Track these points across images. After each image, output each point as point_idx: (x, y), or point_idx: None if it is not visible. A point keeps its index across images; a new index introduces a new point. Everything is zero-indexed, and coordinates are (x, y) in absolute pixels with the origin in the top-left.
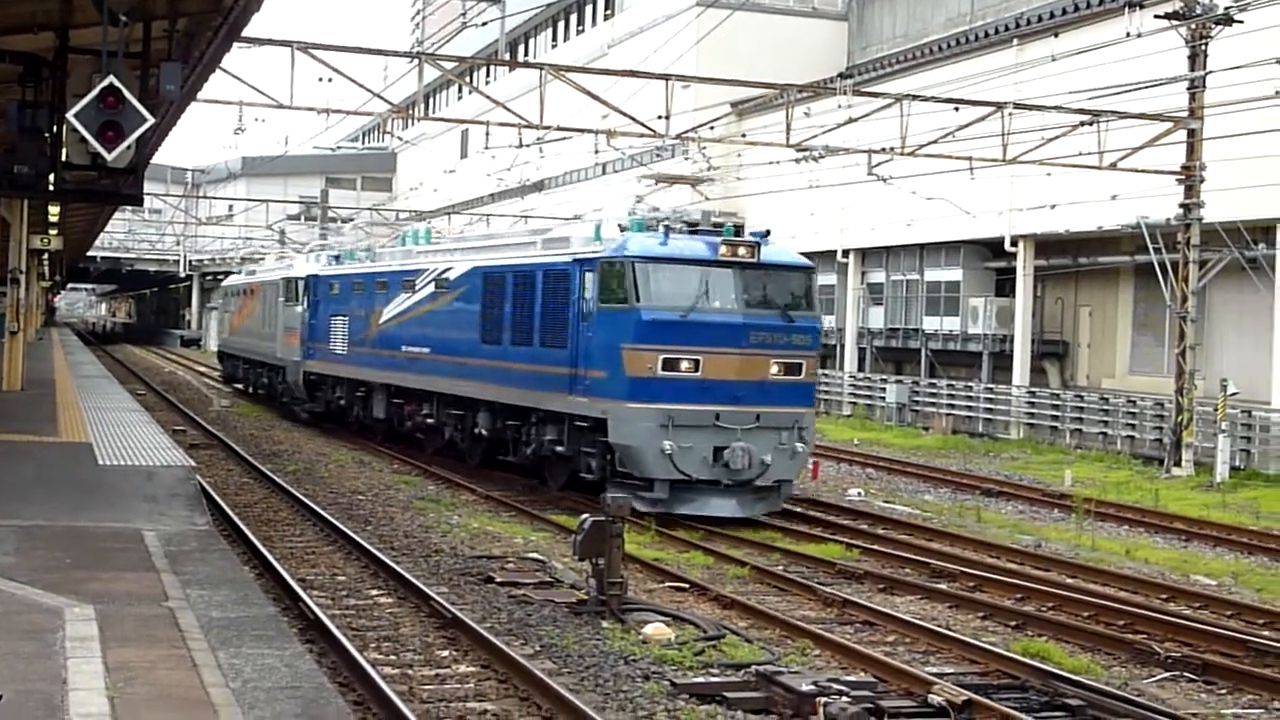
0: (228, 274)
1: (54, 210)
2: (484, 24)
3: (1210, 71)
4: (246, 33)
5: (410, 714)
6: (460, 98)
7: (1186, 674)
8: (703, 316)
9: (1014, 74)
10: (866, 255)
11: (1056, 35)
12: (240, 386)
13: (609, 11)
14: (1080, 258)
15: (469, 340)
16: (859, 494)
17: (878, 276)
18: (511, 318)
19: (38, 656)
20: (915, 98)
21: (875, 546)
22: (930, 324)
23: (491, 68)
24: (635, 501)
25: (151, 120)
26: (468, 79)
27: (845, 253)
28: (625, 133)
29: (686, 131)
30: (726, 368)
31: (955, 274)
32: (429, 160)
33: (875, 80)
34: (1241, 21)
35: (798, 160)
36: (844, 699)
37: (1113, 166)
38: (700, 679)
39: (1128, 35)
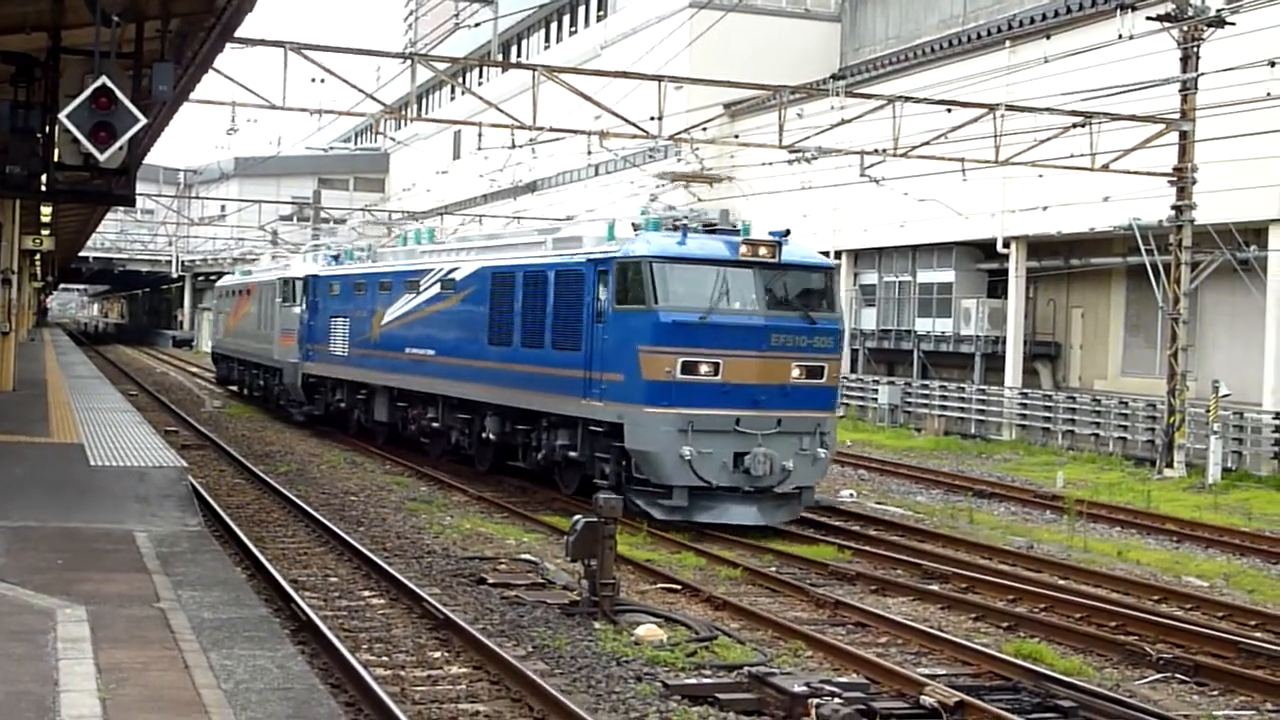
0: (220, 275)
1: (46, 210)
2: (476, 25)
3: (1202, 73)
4: (239, 33)
5: (402, 715)
6: (453, 98)
7: (1178, 675)
8: (722, 318)
9: (1006, 75)
10: (859, 256)
11: (1049, 37)
12: (235, 388)
13: (602, 13)
14: (1072, 259)
15: (477, 342)
16: (851, 495)
17: (870, 278)
18: (522, 319)
19: (29, 658)
20: (908, 99)
21: (867, 548)
22: (923, 325)
23: (484, 68)
24: (653, 509)
25: (144, 121)
26: (460, 80)
27: (838, 254)
28: (618, 134)
29: (679, 133)
30: (747, 371)
31: (948, 275)
32: (421, 161)
33: (868, 81)
34: (1233, 24)
35: (790, 161)
36: (836, 700)
37: (1105, 168)
38: (692, 680)
39: (1120, 37)
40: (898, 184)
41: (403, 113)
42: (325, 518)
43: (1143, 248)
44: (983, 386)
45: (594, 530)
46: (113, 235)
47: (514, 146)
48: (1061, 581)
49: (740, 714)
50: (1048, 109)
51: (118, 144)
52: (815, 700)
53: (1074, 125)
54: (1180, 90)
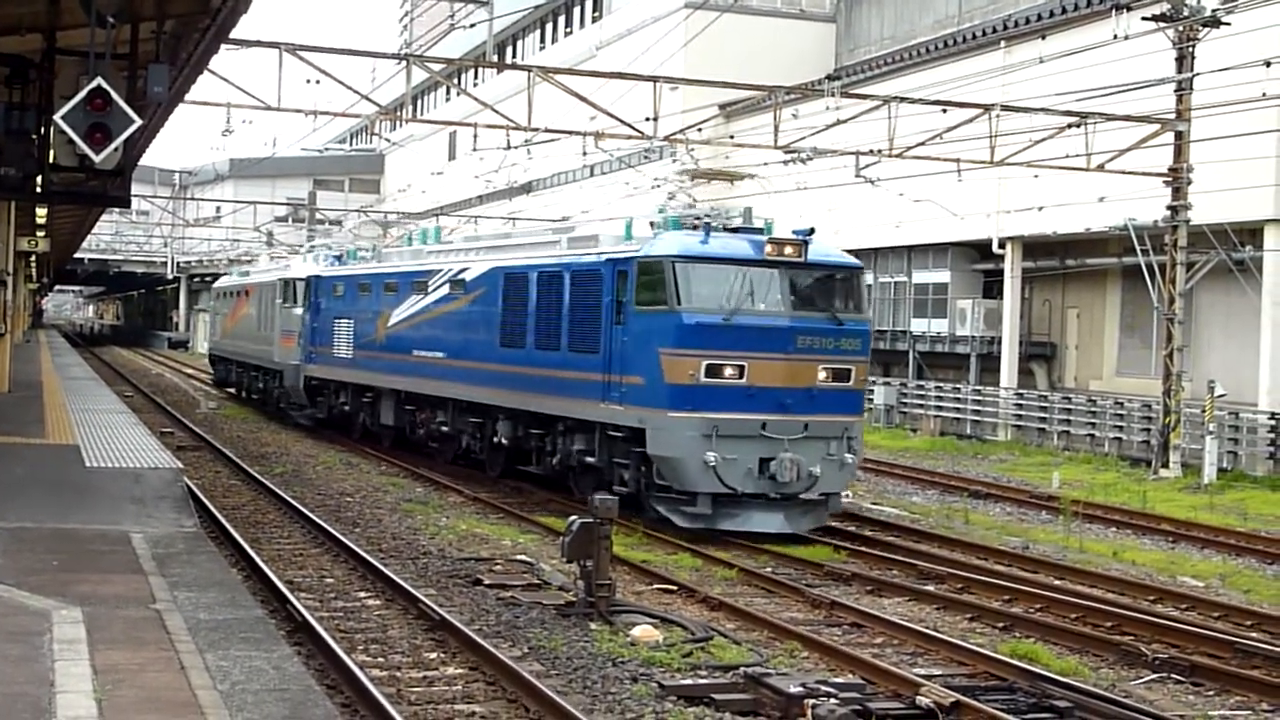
0: (215, 276)
1: (41, 212)
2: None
3: (1197, 74)
4: (234, 34)
5: (398, 716)
6: (448, 99)
7: (1174, 675)
8: (747, 319)
9: (1001, 76)
10: (854, 257)
11: (1044, 37)
12: (233, 391)
13: (597, 13)
14: (1068, 259)
15: (488, 344)
16: (847, 495)
17: (865, 278)
18: (536, 320)
19: (25, 659)
20: (903, 99)
21: (863, 548)
22: (918, 326)
23: (479, 69)
24: (675, 516)
25: (139, 122)
26: (455, 81)
27: None
28: (613, 134)
29: (674, 133)
30: (773, 374)
31: (943, 276)
32: (417, 162)
33: (863, 82)
34: (1229, 24)
35: (786, 162)
36: (832, 701)
37: (1100, 168)
38: (688, 681)
39: (1115, 37)
40: (893, 184)
41: (398, 114)
42: (321, 519)
43: (1138, 248)
44: (978, 387)
45: (590, 531)
46: (108, 237)
47: (509, 147)
48: (1057, 582)
49: (736, 715)
50: (1043, 109)
51: (113, 145)
52: (811, 701)
53: (1069, 125)
54: (1175, 90)
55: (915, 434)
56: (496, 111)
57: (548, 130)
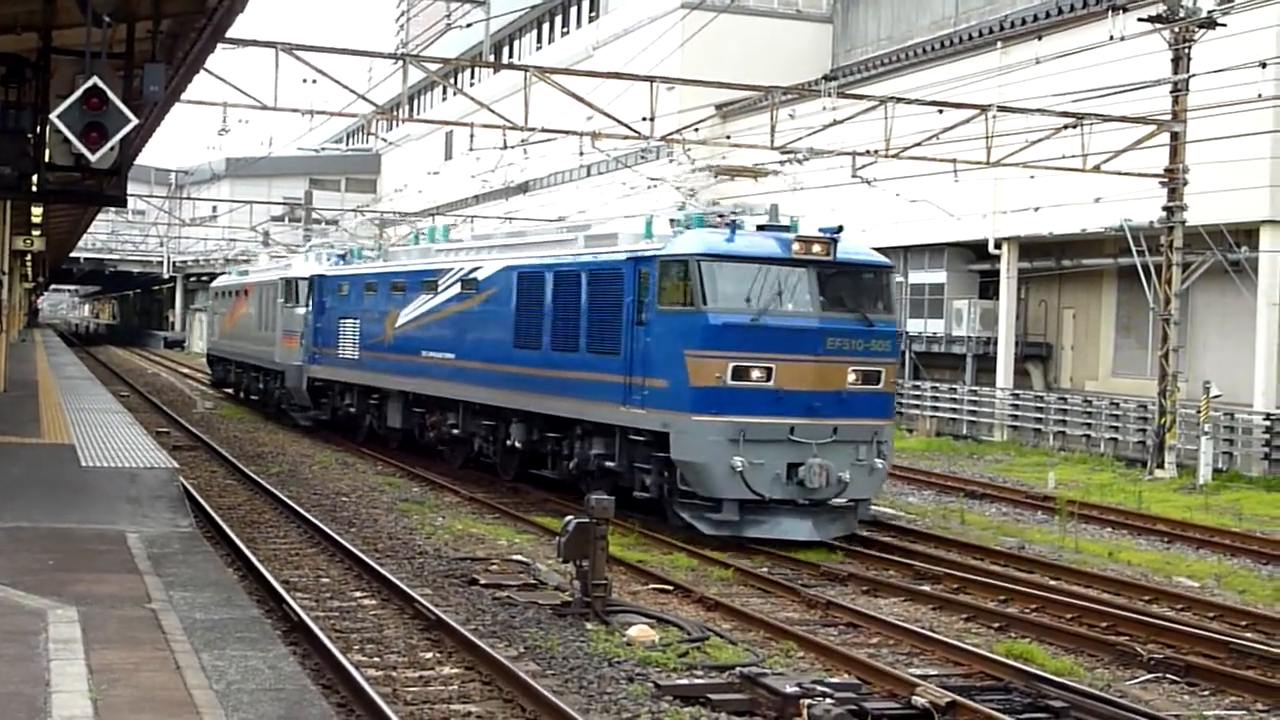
0: (212, 275)
1: (37, 211)
2: (468, 25)
3: (1193, 75)
4: (230, 33)
5: (394, 715)
6: (444, 99)
7: (1169, 675)
8: (775, 320)
9: (998, 77)
10: None
11: (1040, 38)
12: (231, 391)
13: (594, 13)
14: (1064, 260)
15: (502, 344)
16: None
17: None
18: (552, 321)
19: (20, 659)
20: (899, 100)
21: (859, 548)
22: (914, 326)
23: (476, 69)
24: (700, 524)
25: (135, 121)
26: (452, 80)
27: None
28: (609, 134)
29: (671, 134)
30: (802, 376)
31: (939, 276)
32: (413, 162)
33: (859, 82)
34: (1224, 25)
35: (782, 163)
36: (828, 701)
37: (1096, 169)
38: (684, 681)
39: (1111, 38)
40: (889, 185)
41: (394, 113)
42: (317, 519)
43: (1134, 249)
44: (974, 387)
45: (586, 531)
46: (104, 236)
47: (506, 147)
48: (1053, 582)
49: (732, 715)
50: (1039, 110)
51: (109, 144)
52: (807, 701)
53: (1065, 126)
54: (1171, 91)
55: (911, 434)
56: (493, 111)
57: (544, 130)
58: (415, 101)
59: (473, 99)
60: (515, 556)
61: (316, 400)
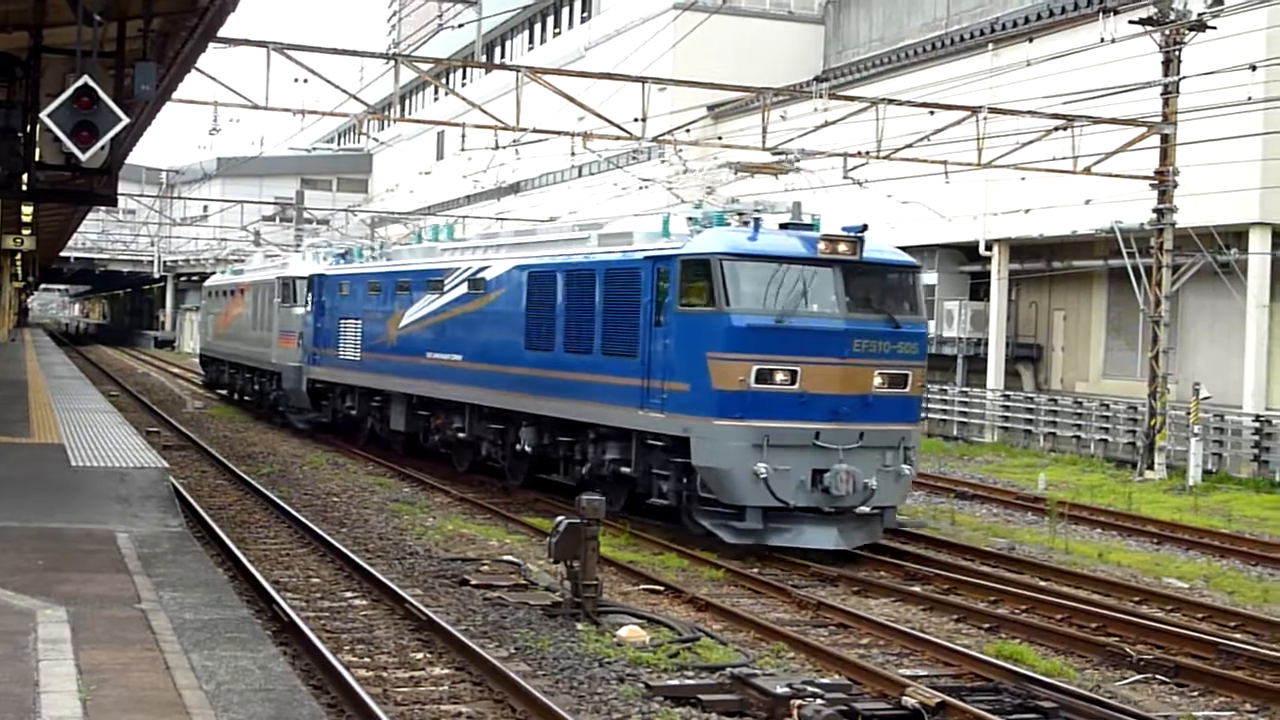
0: (203, 275)
1: (27, 210)
2: (460, 26)
3: (1184, 77)
4: (222, 33)
5: (384, 716)
6: (436, 99)
7: (1158, 676)
8: (800, 322)
9: (989, 78)
10: None
11: (1031, 40)
12: (224, 392)
13: (586, 14)
14: (1054, 262)
15: (511, 346)
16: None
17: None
18: (565, 322)
19: (9, 659)
20: (891, 102)
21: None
22: None
23: (468, 69)
24: (722, 532)
25: (126, 120)
26: (444, 81)
27: None
28: (601, 135)
29: (662, 134)
30: (827, 380)
31: (930, 278)
32: (405, 162)
33: (851, 84)
34: (1215, 27)
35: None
36: (818, 701)
37: (1087, 171)
38: (675, 681)
39: (1102, 41)
40: (880, 186)
41: (386, 113)
42: (307, 519)
43: (1124, 250)
44: (965, 388)
45: (576, 531)
46: (94, 235)
47: (497, 148)
48: (1043, 583)
49: (723, 715)
50: (1030, 112)
51: (99, 143)
52: (797, 701)
53: (1056, 128)
54: (1162, 94)
55: None
56: (485, 112)
57: (536, 130)
58: (407, 101)
59: (464, 99)
60: (506, 557)
61: (316, 402)
